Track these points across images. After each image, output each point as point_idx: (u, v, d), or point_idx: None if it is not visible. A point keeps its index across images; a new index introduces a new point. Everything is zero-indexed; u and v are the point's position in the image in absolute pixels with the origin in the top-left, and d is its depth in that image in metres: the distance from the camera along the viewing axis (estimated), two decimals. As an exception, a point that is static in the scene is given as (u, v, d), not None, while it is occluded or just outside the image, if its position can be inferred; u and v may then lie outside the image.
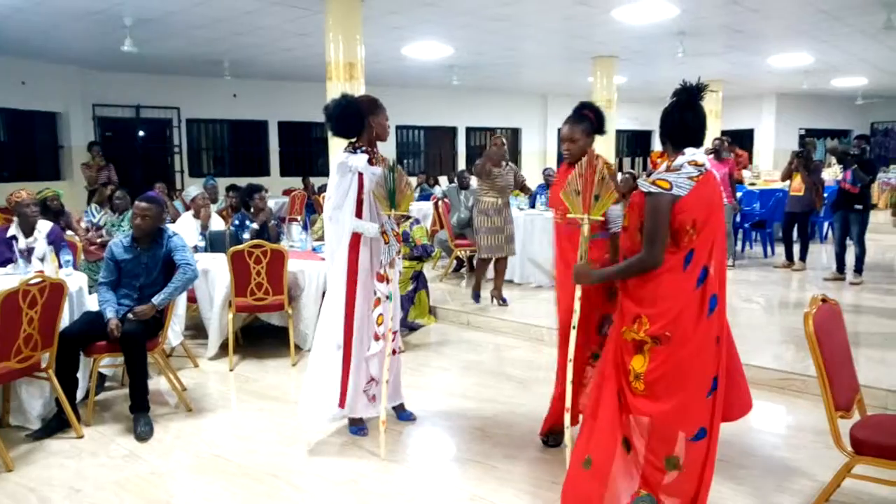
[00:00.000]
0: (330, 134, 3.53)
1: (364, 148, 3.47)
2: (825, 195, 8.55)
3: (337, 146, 7.90)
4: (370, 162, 3.43)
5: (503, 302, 6.38)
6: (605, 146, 12.84)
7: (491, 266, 6.45)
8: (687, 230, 2.45)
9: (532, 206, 7.94)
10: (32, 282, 3.41)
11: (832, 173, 12.10)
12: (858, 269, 7.25)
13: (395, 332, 3.61)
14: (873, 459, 2.51)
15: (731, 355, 2.65)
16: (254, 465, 3.35)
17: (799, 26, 9.94)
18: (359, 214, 3.44)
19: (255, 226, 5.78)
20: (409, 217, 4.71)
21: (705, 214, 2.46)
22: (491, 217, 6.12)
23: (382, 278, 3.43)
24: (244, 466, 3.35)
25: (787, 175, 8.23)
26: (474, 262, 8.34)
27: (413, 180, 14.01)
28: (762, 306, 6.47)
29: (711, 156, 7.90)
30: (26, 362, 3.47)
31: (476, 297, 6.51)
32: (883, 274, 7.79)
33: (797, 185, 8.03)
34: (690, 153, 2.52)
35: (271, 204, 8.71)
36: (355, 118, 3.47)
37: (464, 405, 4.14)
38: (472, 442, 3.56)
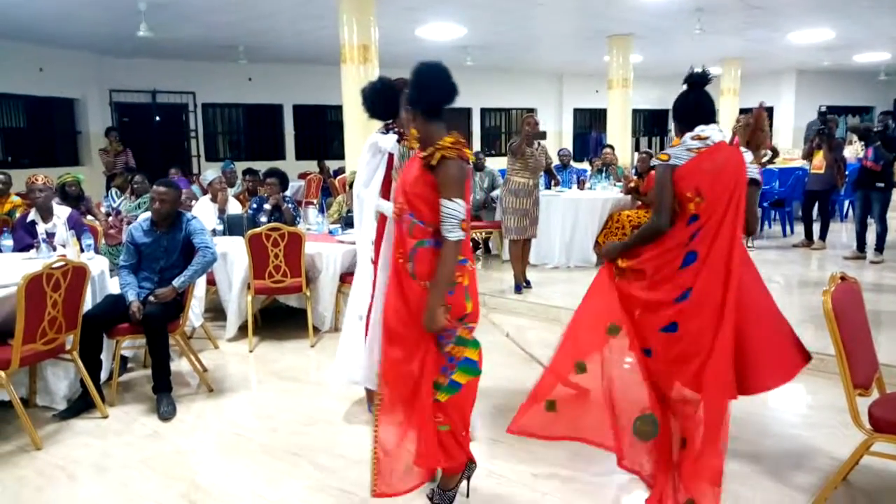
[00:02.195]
0: (367, 116, 3.53)
1: (396, 129, 3.49)
2: (846, 173, 8.42)
3: (352, 129, 7.96)
4: (400, 142, 3.45)
5: (527, 285, 6.30)
6: (622, 126, 12.73)
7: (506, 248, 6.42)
8: (689, 197, 2.65)
9: (548, 186, 7.89)
10: (56, 265, 3.47)
11: (853, 151, 11.90)
12: (879, 247, 7.16)
13: None
14: (892, 437, 2.50)
15: (747, 330, 2.67)
16: (275, 444, 3.41)
17: (819, 0, 9.74)
18: (388, 194, 3.47)
19: (267, 206, 5.84)
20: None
21: (710, 181, 2.62)
22: (520, 198, 5.99)
23: None
24: (265, 445, 3.41)
25: (809, 153, 8.12)
26: (490, 244, 8.36)
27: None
28: (781, 285, 6.42)
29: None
30: (51, 344, 3.54)
31: (518, 288, 6.20)
32: (904, 253, 7.68)
33: (818, 163, 7.92)
34: (699, 129, 2.71)
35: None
36: (391, 100, 3.47)
37: (481, 384, 4.06)
38: (489, 420, 3.59)
